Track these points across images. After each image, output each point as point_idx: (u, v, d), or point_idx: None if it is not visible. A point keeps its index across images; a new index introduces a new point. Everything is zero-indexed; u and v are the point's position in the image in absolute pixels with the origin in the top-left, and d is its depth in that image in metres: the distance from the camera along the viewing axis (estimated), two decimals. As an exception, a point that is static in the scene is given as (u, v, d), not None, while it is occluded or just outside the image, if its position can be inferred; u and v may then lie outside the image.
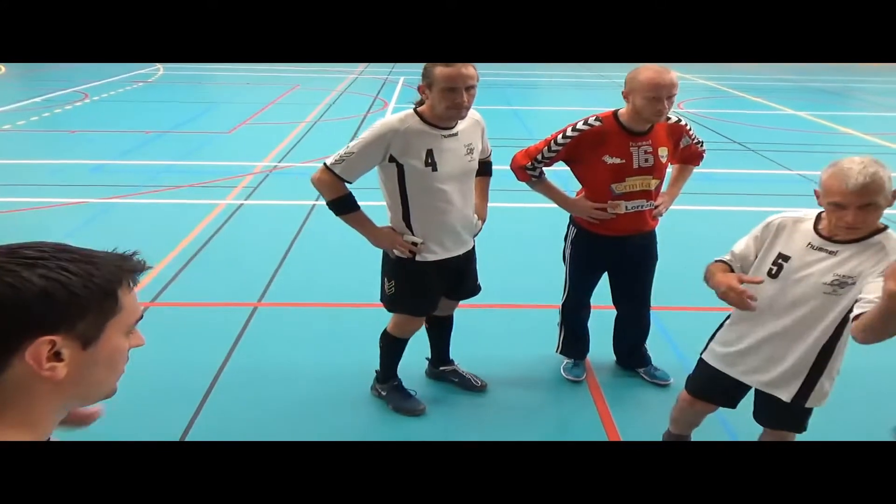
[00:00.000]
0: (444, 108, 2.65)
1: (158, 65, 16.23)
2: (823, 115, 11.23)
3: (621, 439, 3.01)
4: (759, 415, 2.51)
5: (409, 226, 2.83)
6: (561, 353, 3.54)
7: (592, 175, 3.07)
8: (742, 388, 2.46)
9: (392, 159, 2.70)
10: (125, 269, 0.97)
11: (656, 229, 3.30)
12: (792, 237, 2.22)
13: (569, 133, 3.02)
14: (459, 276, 3.04)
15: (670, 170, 3.25)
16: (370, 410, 3.19)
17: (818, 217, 2.21)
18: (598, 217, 3.09)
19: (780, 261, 2.22)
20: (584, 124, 3.00)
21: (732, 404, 2.54)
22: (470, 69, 2.63)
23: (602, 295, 3.46)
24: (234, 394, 3.27)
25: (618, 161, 2.97)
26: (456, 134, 2.77)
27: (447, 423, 3.12)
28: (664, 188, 3.25)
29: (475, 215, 3.02)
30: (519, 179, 3.22)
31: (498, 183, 5.41)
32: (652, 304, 3.47)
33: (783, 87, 14.79)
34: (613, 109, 3.03)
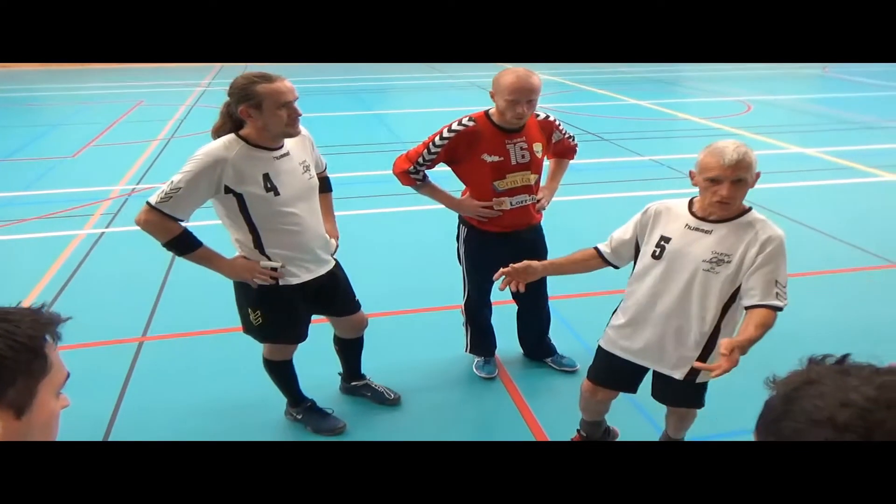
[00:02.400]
0: (282, 126, 2.50)
1: (-25, 87, 14.67)
2: (662, 102, 12.15)
3: (541, 428, 3.10)
4: (657, 393, 2.61)
5: (264, 254, 2.66)
6: (470, 352, 3.59)
7: (474, 174, 3.13)
8: (640, 371, 2.56)
9: (228, 190, 2.51)
10: (43, 322, 0.88)
11: (542, 223, 3.41)
12: (670, 220, 2.37)
13: (445, 135, 3.06)
14: (328, 295, 2.93)
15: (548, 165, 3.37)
16: (288, 435, 3.07)
17: (691, 201, 2.38)
18: (485, 215, 3.15)
19: (662, 243, 2.36)
20: (458, 125, 3.05)
21: (632, 389, 2.63)
22: (288, 82, 2.52)
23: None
24: (134, 437, 3.01)
25: (497, 159, 3.04)
26: (287, 153, 2.63)
27: (370, 437, 3.06)
28: (543, 183, 3.37)
29: (327, 235, 2.92)
30: (403, 184, 3.22)
31: (383, 188, 5.43)
32: (549, 295, 3.59)
33: (622, 79, 15.83)
34: (485, 109, 3.10)
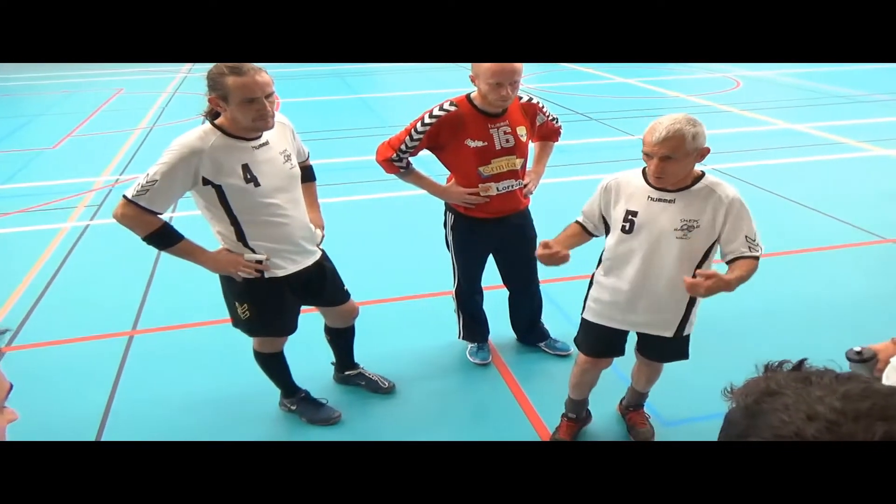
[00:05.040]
0: (250, 122, 2.41)
1: (-49, 78, 14.39)
2: (651, 80, 12.08)
3: (537, 412, 3.09)
4: (647, 351, 2.72)
5: (247, 246, 2.60)
6: (463, 338, 3.56)
7: (458, 160, 3.07)
8: (625, 334, 2.68)
9: (206, 182, 2.43)
10: None
11: (530, 207, 3.37)
12: (631, 194, 2.42)
13: (427, 120, 2.99)
14: (317, 286, 2.88)
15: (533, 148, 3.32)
16: (283, 426, 3.05)
17: (644, 171, 2.41)
18: (472, 202, 3.11)
19: (630, 217, 2.42)
20: (440, 110, 2.99)
21: (622, 352, 2.74)
22: (264, 75, 2.39)
23: (493, 275, 3.50)
24: (129, 430, 3.00)
25: (480, 144, 2.98)
26: (267, 143, 2.54)
27: (365, 426, 3.05)
28: (529, 167, 3.31)
29: (312, 225, 2.86)
30: (387, 172, 3.15)
31: (370, 174, 5.36)
32: (540, 279, 3.56)
33: (608, 57, 15.74)
34: (466, 93, 3.03)
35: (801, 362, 0.77)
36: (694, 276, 2.37)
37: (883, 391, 0.69)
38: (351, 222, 5.27)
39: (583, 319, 2.69)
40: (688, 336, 2.61)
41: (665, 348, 2.63)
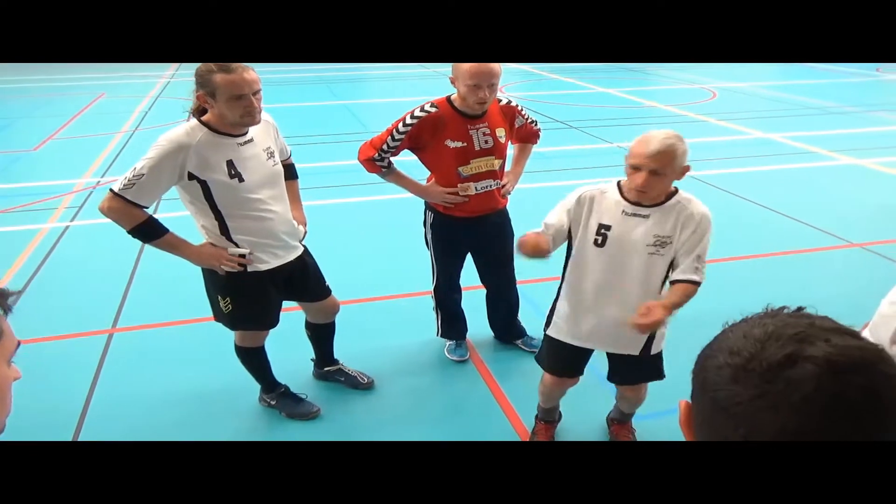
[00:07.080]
0: (237, 118, 2.47)
1: (-71, 80, 14.23)
2: (629, 90, 12.28)
3: (514, 408, 3.16)
4: (616, 376, 2.65)
5: (231, 240, 2.65)
6: (441, 336, 3.62)
7: (438, 160, 3.15)
8: (587, 355, 2.61)
9: (192, 177, 2.48)
10: None
11: (508, 208, 3.44)
12: (605, 207, 2.37)
13: (408, 121, 3.06)
14: (299, 281, 2.94)
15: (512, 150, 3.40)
16: (262, 421, 3.08)
17: (619, 186, 2.37)
18: (451, 201, 3.18)
19: (602, 230, 2.36)
20: (420, 111, 3.06)
21: (582, 372, 2.68)
22: (252, 73, 2.45)
23: (471, 274, 3.57)
24: (108, 427, 3.02)
25: (460, 144, 3.06)
26: (251, 140, 2.60)
27: (344, 421, 3.10)
28: (507, 168, 3.39)
29: (295, 222, 2.91)
30: (369, 172, 3.22)
31: (352, 178, 5.43)
32: (517, 279, 3.64)
33: (589, 67, 15.92)
34: (447, 95, 3.10)
35: (800, 308, 0.79)
36: (661, 290, 2.34)
37: (825, 324, 0.73)
38: (333, 224, 5.32)
39: (546, 336, 2.63)
40: (659, 354, 2.55)
41: (635, 369, 2.57)
